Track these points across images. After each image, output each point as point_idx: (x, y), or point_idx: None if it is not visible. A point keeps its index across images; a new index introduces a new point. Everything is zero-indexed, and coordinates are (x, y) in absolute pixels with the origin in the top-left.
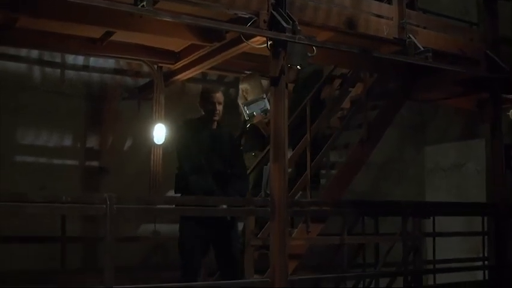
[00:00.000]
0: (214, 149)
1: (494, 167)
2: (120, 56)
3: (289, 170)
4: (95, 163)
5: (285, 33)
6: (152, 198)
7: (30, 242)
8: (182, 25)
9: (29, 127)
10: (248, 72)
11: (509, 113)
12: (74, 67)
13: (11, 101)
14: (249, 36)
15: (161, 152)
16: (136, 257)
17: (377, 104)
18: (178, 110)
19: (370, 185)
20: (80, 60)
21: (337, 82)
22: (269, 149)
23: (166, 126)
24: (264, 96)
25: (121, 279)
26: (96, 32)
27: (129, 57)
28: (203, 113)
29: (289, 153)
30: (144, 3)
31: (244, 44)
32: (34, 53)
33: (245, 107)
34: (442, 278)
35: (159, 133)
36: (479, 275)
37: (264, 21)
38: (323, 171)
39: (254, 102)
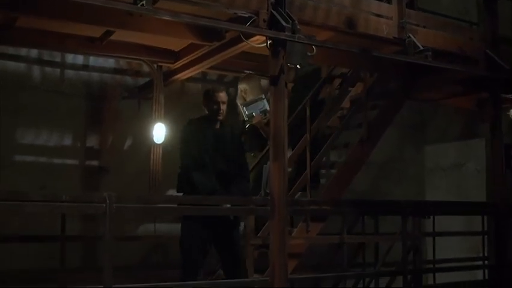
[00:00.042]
0: (218, 149)
1: (494, 166)
2: (120, 55)
3: (289, 169)
4: (95, 162)
5: (284, 32)
6: (152, 197)
7: (30, 241)
8: (182, 24)
9: (28, 127)
10: (247, 71)
11: (509, 113)
12: (73, 66)
13: (10, 101)
14: (249, 36)
15: (161, 151)
16: (136, 256)
17: (376, 103)
18: (178, 109)
19: (370, 185)
20: (79, 59)
21: (337, 82)
22: (269, 148)
23: (166, 125)
24: (263, 96)
25: (121, 278)
26: (96, 32)
27: (129, 56)
28: (206, 113)
29: (288, 153)
30: (144, 2)
31: (244, 43)
32: (34, 53)
33: (244, 108)
34: (442, 278)
35: (159, 132)
36: (479, 275)
37: (264, 21)
38: (323, 171)
39: (253, 103)
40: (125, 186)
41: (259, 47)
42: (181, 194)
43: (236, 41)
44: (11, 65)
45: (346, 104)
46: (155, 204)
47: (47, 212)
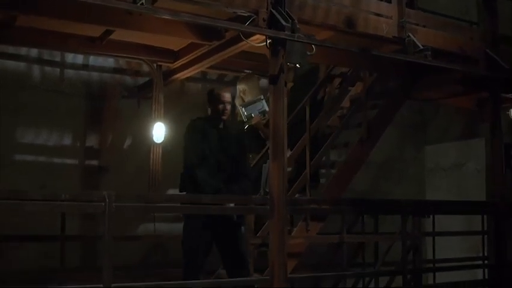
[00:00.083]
0: (222, 148)
1: (494, 166)
2: (119, 55)
3: (289, 169)
4: (94, 162)
5: (284, 31)
6: (151, 196)
7: (30, 241)
8: (182, 24)
9: (28, 126)
10: (247, 71)
11: (509, 112)
12: (73, 66)
13: (10, 100)
14: (248, 35)
15: (160, 151)
16: (136, 256)
17: (376, 103)
18: (178, 108)
19: (370, 184)
20: (79, 59)
21: (337, 81)
22: (268, 148)
23: (166, 125)
24: (262, 97)
25: (121, 278)
26: (95, 31)
27: (128, 56)
28: (211, 112)
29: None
30: (143, 1)
31: (244, 42)
32: (34, 52)
33: (243, 108)
34: (442, 277)
35: (158, 132)
36: (479, 274)
37: (263, 20)
38: (323, 171)
39: (252, 104)
40: (125, 185)
41: (258, 46)
42: (184, 193)
43: (236, 40)
44: (11, 64)
45: (346, 103)
46: (155, 203)
47: (47, 211)
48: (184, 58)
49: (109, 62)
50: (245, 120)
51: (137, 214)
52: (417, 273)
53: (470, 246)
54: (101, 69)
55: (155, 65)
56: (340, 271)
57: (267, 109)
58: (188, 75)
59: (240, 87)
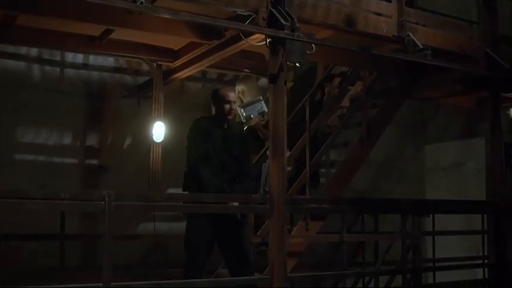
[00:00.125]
0: (226, 148)
1: (494, 165)
2: (119, 54)
3: (289, 168)
4: (94, 161)
5: (284, 30)
6: (151, 195)
7: (30, 240)
8: (181, 23)
9: (28, 125)
10: (246, 70)
11: (509, 112)
12: (73, 65)
13: (10, 100)
14: (248, 34)
15: (160, 150)
16: (136, 255)
17: (376, 102)
18: (178, 108)
19: (370, 184)
20: (79, 58)
21: (336, 80)
22: (266, 149)
23: (166, 124)
24: (261, 98)
25: (120, 277)
26: (95, 30)
27: (128, 55)
28: (215, 112)
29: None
30: (143, 0)
31: (243, 41)
32: (33, 51)
33: (242, 109)
34: (442, 277)
35: (158, 131)
36: (479, 274)
37: (263, 19)
38: (323, 170)
39: (251, 105)
40: (124, 185)
41: (258, 45)
42: (187, 192)
43: (235, 39)
44: (11, 63)
45: (346, 102)
46: (155, 202)
47: (47, 210)
48: (184, 57)
49: (109, 61)
50: (244, 121)
51: (137, 213)
52: (417, 272)
53: (470, 246)
54: (101, 68)
55: (155, 64)
56: (340, 270)
57: (266, 110)
58: (188, 74)
59: (239, 88)
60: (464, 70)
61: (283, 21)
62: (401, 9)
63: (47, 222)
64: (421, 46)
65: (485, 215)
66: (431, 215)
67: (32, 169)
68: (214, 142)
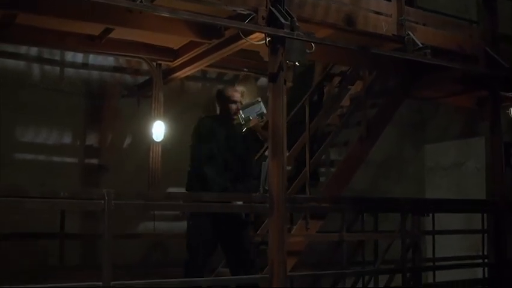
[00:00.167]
0: (230, 147)
1: (494, 164)
2: (119, 53)
3: (289, 167)
4: (94, 160)
5: (283, 29)
6: (151, 194)
7: (29, 239)
8: (181, 22)
9: (28, 125)
10: (245, 70)
11: (509, 111)
12: (73, 65)
13: (10, 99)
14: (248, 33)
15: (160, 149)
16: (136, 254)
17: (376, 101)
18: (177, 107)
19: (369, 183)
20: (79, 57)
21: (336, 80)
22: (265, 150)
23: (165, 123)
24: (260, 99)
25: (120, 276)
26: (95, 29)
27: (128, 54)
28: (220, 112)
29: None
30: None
31: (243, 40)
32: (33, 51)
33: (241, 111)
34: (442, 276)
35: (158, 130)
36: (478, 273)
37: (263, 18)
38: (322, 169)
39: (250, 106)
40: (124, 184)
41: (258, 44)
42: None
43: (235, 38)
44: (11, 63)
45: (345, 102)
46: (155, 201)
47: (47, 208)
48: (184, 56)
49: (109, 60)
50: (243, 122)
51: (137, 212)
52: (416, 271)
53: (470, 245)
54: (101, 67)
55: (154, 63)
56: (340, 269)
57: (264, 111)
58: (188, 73)
59: (238, 89)
60: (464, 69)
61: (282, 20)
62: (400, 8)
63: (47, 222)
64: (421, 45)
65: (485, 214)
66: (431, 214)
67: (32, 168)
68: (218, 141)
